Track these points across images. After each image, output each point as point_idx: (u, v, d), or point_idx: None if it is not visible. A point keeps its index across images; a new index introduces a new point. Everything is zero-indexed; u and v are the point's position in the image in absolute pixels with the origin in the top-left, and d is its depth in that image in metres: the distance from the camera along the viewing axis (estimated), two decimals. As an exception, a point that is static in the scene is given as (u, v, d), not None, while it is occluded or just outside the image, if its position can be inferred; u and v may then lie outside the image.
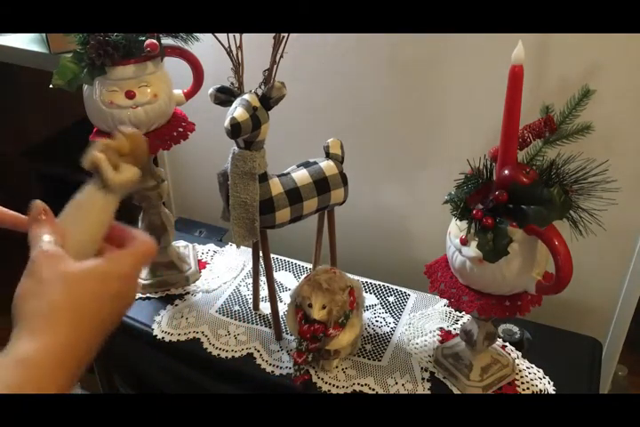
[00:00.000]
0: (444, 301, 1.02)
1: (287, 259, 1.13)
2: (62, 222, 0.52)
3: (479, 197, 0.73)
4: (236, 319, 1.01)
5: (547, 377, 0.90)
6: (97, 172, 0.52)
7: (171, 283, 1.06)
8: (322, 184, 0.88)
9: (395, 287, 1.07)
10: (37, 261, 0.46)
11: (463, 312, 1.00)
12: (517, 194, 0.69)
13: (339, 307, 0.84)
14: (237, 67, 0.80)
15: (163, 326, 0.99)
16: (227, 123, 0.77)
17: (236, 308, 1.03)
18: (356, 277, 0.99)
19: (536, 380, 0.90)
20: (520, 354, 0.94)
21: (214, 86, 0.80)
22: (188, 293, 1.06)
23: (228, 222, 0.86)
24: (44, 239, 0.48)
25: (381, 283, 1.08)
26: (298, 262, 1.13)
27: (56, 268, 0.45)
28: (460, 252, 0.75)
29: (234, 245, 0.99)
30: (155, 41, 0.86)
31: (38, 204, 0.52)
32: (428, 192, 1.11)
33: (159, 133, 0.93)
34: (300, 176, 0.87)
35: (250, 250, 1.00)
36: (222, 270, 1.11)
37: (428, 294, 1.05)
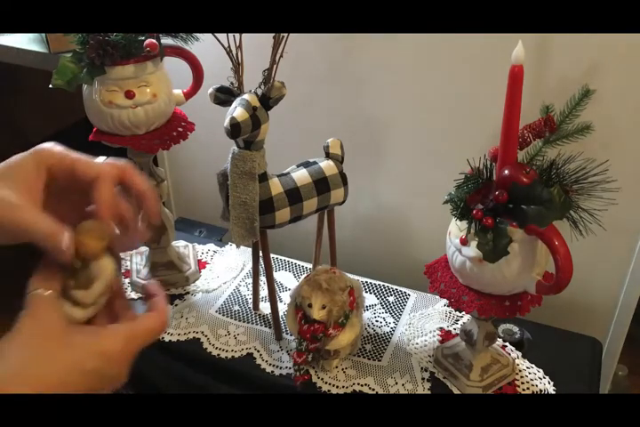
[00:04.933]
0: (444, 301, 1.02)
1: (287, 259, 1.13)
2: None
3: (479, 197, 0.73)
4: (235, 319, 1.01)
5: (547, 377, 0.90)
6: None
7: (171, 283, 1.06)
8: (322, 184, 0.88)
9: (395, 287, 1.07)
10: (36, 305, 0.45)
11: (463, 312, 1.00)
12: (517, 194, 0.69)
13: (339, 307, 0.84)
14: (237, 67, 0.80)
15: (163, 326, 0.99)
16: (226, 123, 0.77)
17: (236, 308, 1.03)
18: (356, 277, 0.99)
19: (536, 380, 0.90)
20: (520, 354, 0.94)
21: (214, 86, 0.80)
22: (188, 293, 1.06)
23: (228, 222, 0.86)
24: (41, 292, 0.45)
25: (381, 283, 1.08)
26: (298, 262, 1.13)
27: (45, 321, 0.44)
28: (460, 252, 0.75)
29: (234, 245, 0.99)
30: (154, 41, 0.86)
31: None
32: (428, 192, 1.11)
33: (159, 133, 0.93)
34: (300, 176, 0.87)
35: (250, 250, 1.00)
36: (222, 270, 1.11)
37: (428, 294, 1.05)
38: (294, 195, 0.86)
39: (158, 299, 0.49)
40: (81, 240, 0.46)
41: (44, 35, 1.24)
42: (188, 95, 0.98)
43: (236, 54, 0.79)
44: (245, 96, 0.79)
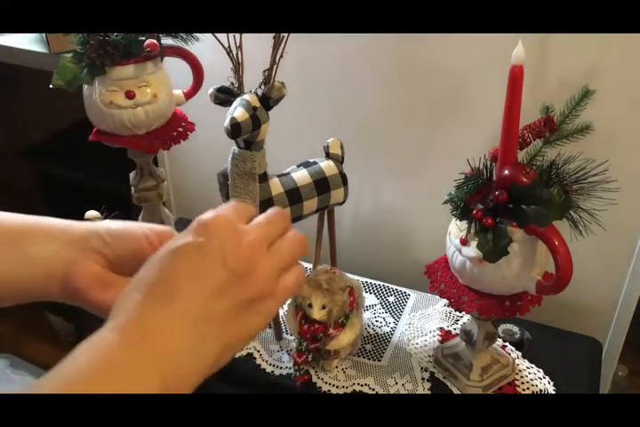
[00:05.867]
0: (444, 301, 1.02)
1: (287, 259, 1.13)
2: None
3: (479, 197, 0.73)
4: (235, 319, 1.00)
5: (547, 377, 0.90)
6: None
7: (171, 283, 1.06)
8: (322, 184, 0.88)
9: (395, 287, 1.07)
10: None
11: (463, 312, 1.00)
12: (517, 194, 0.69)
13: (339, 307, 0.84)
14: (237, 67, 0.80)
15: (163, 326, 0.99)
16: (227, 123, 0.77)
17: (236, 308, 1.03)
18: (356, 277, 0.99)
19: (536, 380, 0.90)
20: (520, 354, 0.94)
21: (214, 86, 0.80)
22: (188, 293, 1.06)
23: (228, 222, 0.86)
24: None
25: (381, 283, 1.08)
26: (298, 262, 1.12)
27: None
28: (460, 252, 0.75)
29: (234, 245, 0.99)
30: (154, 41, 0.86)
31: None
32: (428, 192, 1.11)
33: (159, 133, 0.93)
34: (300, 176, 0.87)
35: (250, 250, 1.00)
36: (222, 270, 1.11)
37: (428, 294, 1.05)
38: (294, 195, 0.86)
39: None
40: None
41: (44, 35, 1.24)
42: (189, 95, 0.98)
43: (236, 54, 0.79)
44: (246, 96, 0.79)
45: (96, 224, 0.49)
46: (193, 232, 0.39)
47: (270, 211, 0.42)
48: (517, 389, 0.88)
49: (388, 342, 0.96)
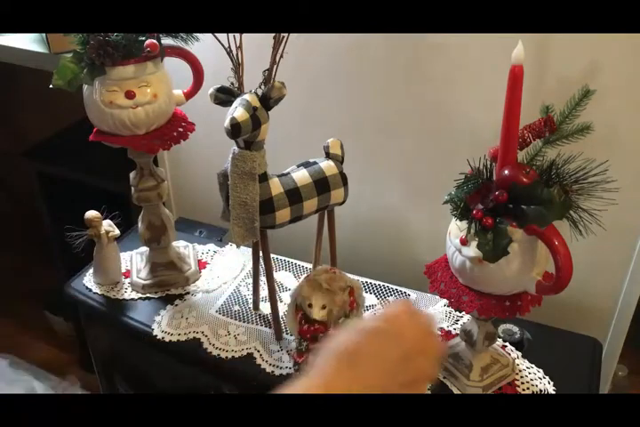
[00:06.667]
0: (444, 301, 1.02)
1: (287, 259, 1.13)
2: None
3: (479, 197, 0.73)
4: (236, 319, 1.00)
5: (547, 377, 0.90)
6: None
7: (171, 283, 1.06)
8: (322, 184, 0.88)
9: (395, 287, 1.07)
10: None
11: (463, 312, 1.00)
12: (517, 194, 0.69)
13: (339, 307, 0.84)
14: (237, 67, 0.80)
15: (163, 326, 0.99)
16: (227, 123, 0.77)
17: (236, 308, 1.03)
18: (356, 278, 0.99)
19: (536, 380, 0.90)
20: (520, 354, 0.94)
21: (214, 86, 0.80)
22: (188, 293, 1.06)
23: (228, 222, 0.86)
24: None
25: (381, 283, 1.08)
26: (298, 262, 1.13)
27: None
28: (460, 252, 0.75)
29: (234, 245, 0.99)
30: (155, 41, 0.86)
31: None
32: (428, 192, 1.11)
33: (159, 133, 0.93)
34: (300, 176, 0.87)
35: (250, 250, 1.00)
36: (222, 270, 1.11)
37: (428, 294, 1.05)
38: (294, 195, 0.86)
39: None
40: None
41: (44, 35, 1.24)
42: (189, 95, 0.98)
43: (236, 54, 0.79)
44: (246, 96, 0.79)
45: None
46: (380, 319, 0.55)
47: (403, 305, 0.56)
48: (517, 389, 0.88)
49: (388, 342, 0.96)
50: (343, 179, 0.90)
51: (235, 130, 0.77)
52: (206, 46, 0.84)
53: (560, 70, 0.92)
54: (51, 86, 0.86)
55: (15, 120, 1.97)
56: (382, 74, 1.06)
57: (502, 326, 0.97)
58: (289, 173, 0.88)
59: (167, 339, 0.97)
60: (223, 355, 0.94)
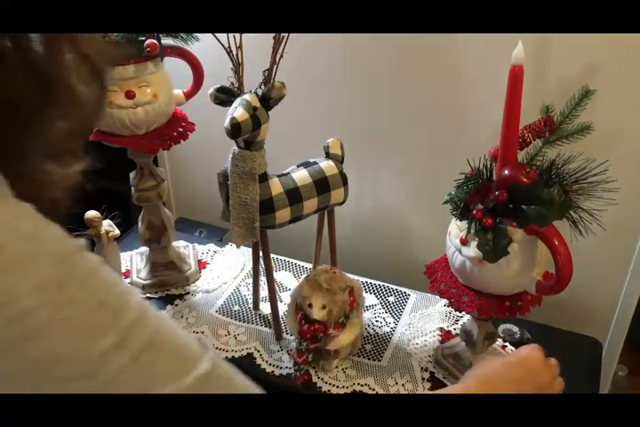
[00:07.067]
0: (444, 301, 1.02)
1: (287, 259, 1.13)
2: None
3: (479, 197, 0.73)
4: (236, 319, 1.01)
5: (547, 377, 0.90)
6: None
7: (171, 283, 1.06)
8: (322, 184, 0.88)
9: (395, 287, 1.07)
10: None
11: (463, 312, 1.00)
12: (517, 194, 0.69)
13: (339, 307, 0.84)
14: (237, 67, 0.80)
15: (163, 326, 0.98)
16: (227, 123, 0.77)
17: (236, 308, 1.03)
18: (356, 278, 0.99)
19: (536, 380, 0.89)
20: (520, 354, 0.94)
21: (214, 86, 0.80)
22: (188, 293, 1.06)
23: (228, 222, 0.86)
24: None
25: (381, 283, 1.08)
26: (298, 262, 1.13)
27: None
28: (460, 252, 0.75)
29: (234, 245, 0.99)
30: (155, 41, 0.86)
31: None
32: (428, 192, 1.11)
33: (159, 133, 0.93)
34: (300, 176, 0.87)
35: (250, 250, 1.00)
36: (222, 270, 1.11)
37: (428, 294, 1.05)
38: (294, 195, 0.86)
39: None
40: None
41: (44, 35, 1.23)
42: (189, 95, 0.98)
43: (236, 54, 0.79)
44: (246, 96, 0.79)
45: None
46: (519, 355, 0.66)
47: (537, 349, 0.68)
48: (517, 389, 0.88)
49: (388, 342, 0.96)
50: (343, 179, 0.90)
51: (235, 130, 0.77)
52: (206, 46, 0.84)
53: (560, 70, 0.92)
54: (51, 86, 0.86)
55: (15, 120, 1.97)
56: (382, 74, 1.06)
57: (502, 326, 0.97)
58: (289, 173, 0.88)
59: (167, 339, 0.96)
60: (223, 355, 0.94)
